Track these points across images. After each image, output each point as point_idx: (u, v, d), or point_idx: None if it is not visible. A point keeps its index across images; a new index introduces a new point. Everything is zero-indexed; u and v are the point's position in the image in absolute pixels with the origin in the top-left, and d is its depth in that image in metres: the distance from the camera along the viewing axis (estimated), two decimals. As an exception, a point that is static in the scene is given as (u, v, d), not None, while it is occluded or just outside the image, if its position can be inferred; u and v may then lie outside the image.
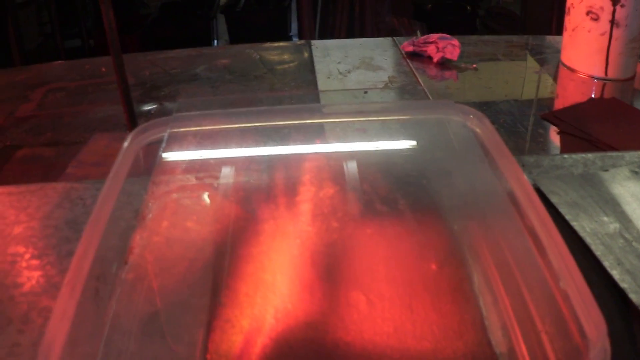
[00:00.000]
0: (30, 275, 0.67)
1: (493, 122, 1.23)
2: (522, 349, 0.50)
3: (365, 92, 1.38)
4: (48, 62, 1.82)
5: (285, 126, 0.76)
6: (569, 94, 1.42)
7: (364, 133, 0.79)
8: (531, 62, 1.58)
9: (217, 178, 0.71)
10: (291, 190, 0.67)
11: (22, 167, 1.18)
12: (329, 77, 1.48)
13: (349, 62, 1.58)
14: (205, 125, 0.76)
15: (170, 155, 0.72)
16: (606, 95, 1.38)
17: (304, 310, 0.53)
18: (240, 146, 0.76)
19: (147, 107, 1.38)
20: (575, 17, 1.41)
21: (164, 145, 0.71)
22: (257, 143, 0.76)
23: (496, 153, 0.65)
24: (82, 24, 3.42)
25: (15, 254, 0.70)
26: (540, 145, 1.19)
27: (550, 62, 1.56)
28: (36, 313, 0.62)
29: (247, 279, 0.56)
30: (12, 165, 1.18)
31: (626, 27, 1.34)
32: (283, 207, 0.65)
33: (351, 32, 3.17)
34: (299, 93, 1.42)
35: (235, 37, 3.64)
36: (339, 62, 1.57)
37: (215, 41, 3.70)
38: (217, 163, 0.74)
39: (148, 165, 0.70)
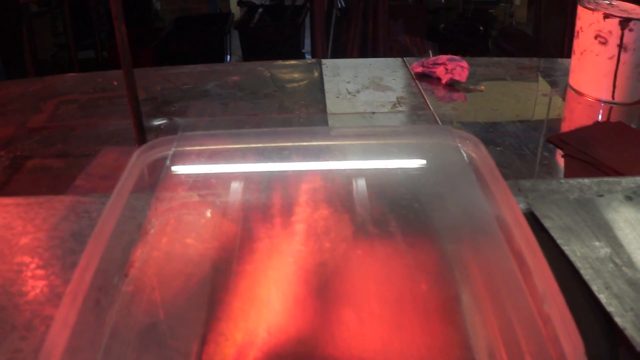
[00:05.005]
0: (35, 284, 0.69)
1: (498, 144, 1.25)
2: (507, 369, 0.52)
3: (373, 113, 1.40)
4: (61, 73, 1.84)
5: (286, 147, 0.78)
6: (576, 117, 1.42)
7: (362, 156, 0.81)
8: (542, 85, 1.59)
9: (219, 196, 0.72)
10: (287, 210, 0.69)
11: (31, 178, 1.19)
12: (338, 97, 1.50)
13: (359, 81, 1.59)
14: (210, 145, 0.78)
15: (174, 173, 0.74)
16: (613, 119, 1.38)
17: (295, 326, 0.55)
18: (242, 166, 0.78)
19: (157, 122, 1.39)
20: (583, 40, 1.41)
21: (168, 163, 0.73)
22: (259, 163, 0.78)
23: (489, 177, 0.67)
24: (96, 35, 3.45)
25: (21, 264, 0.72)
26: (545, 168, 1.19)
27: (560, 84, 1.56)
28: (39, 321, 0.64)
29: (241, 295, 0.58)
30: (22, 175, 1.20)
31: (634, 51, 1.35)
32: (279, 226, 0.67)
33: (364, 51, 3.18)
34: (307, 113, 1.43)
35: (248, 53, 3.67)
36: (348, 82, 1.59)
37: (228, 56, 3.73)
38: (220, 182, 0.75)
39: (153, 181, 0.71)
